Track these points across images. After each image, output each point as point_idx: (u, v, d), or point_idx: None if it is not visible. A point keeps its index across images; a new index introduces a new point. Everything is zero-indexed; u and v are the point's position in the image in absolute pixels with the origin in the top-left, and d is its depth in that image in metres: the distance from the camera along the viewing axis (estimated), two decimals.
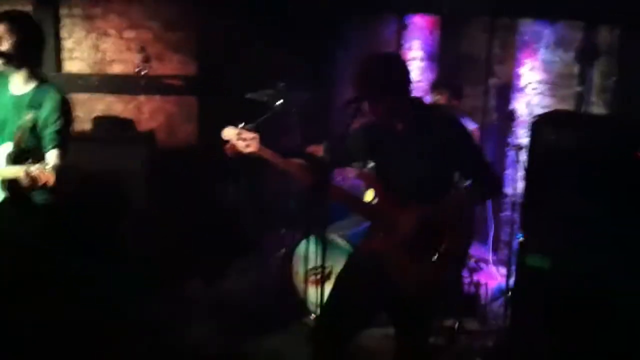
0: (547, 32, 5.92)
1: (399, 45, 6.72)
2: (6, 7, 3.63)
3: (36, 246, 3.63)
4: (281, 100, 4.97)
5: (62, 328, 4.01)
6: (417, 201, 3.14)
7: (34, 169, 3.22)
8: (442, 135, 3.15)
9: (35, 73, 3.61)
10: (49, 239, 3.69)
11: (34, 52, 3.61)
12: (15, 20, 3.48)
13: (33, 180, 3.23)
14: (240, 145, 3.36)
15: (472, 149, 3.28)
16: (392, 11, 6.71)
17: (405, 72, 3.17)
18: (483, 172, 3.25)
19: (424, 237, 3.11)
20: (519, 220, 4.68)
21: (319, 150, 3.78)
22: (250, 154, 3.37)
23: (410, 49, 6.69)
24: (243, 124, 3.49)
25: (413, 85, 3.21)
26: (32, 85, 3.59)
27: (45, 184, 3.24)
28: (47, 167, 3.25)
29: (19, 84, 3.59)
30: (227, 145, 3.43)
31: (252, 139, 3.36)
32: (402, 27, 6.72)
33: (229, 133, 3.41)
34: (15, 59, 3.49)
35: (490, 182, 3.30)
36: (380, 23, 6.88)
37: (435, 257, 3.10)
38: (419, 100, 3.39)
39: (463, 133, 3.24)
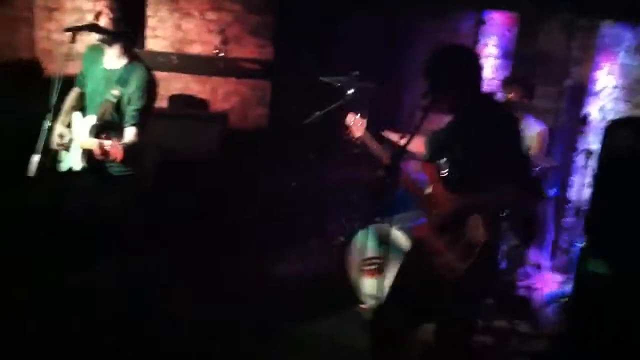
0: (628, 36, 5.78)
1: (476, 41, 6.67)
2: None
3: (111, 214, 3.78)
4: (353, 89, 5.04)
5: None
6: (464, 192, 3.19)
7: (107, 143, 3.40)
8: (495, 132, 3.17)
9: (128, 50, 3.74)
10: (124, 208, 3.81)
11: (129, 29, 3.74)
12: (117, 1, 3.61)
13: (105, 154, 3.42)
14: (353, 128, 3.79)
15: (515, 150, 3.22)
16: (470, 6, 6.66)
17: (470, 66, 3.23)
18: (522, 176, 3.20)
19: (455, 224, 3.19)
20: (581, 226, 4.63)
21: (418, 145, 3.86)
22: (358, 138, 3.79)
23: (486, 45, 6.63)
24: (316, 113, 4.22)
25: (480, 80, 3.26)
26: (123, 62, 3.72)
27: (115, 159, 3.42)
28: (120, 144, 3.41)
29: (112, 59, 3.73)
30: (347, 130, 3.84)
31: (361, 125, 3.77)
32: (480, 22, 6.67)
33: (349, 117, 3.83)
34: (111, 34, 3.63)
35: (527, 187, 3.23)
36: (458, 18, 6.84)
37: (459, 245, 3.17)
38: (485, 95, 3.41)
39: (514, 135, 3.23)
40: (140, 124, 3.67)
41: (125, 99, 3.67)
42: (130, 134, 3.64)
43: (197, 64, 6.74)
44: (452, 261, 3.19)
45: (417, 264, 3.37)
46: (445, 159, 3.40)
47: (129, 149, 3.49)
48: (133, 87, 3.65)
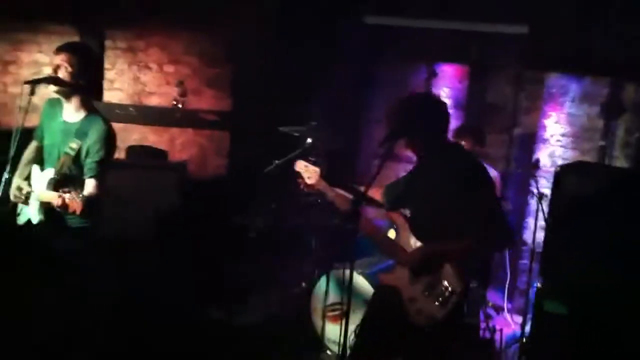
0: (574, 87, 6.05)
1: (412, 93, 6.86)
2: (54, 37, 3.80)
3: (69, 266, 3.72)
4: (310, 139, 5.12)
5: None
6: (432, 239, 3.27)
7: (67, 196, 3.40)
8: (464, 176, 3.24)
9: (86, 102, 3.76)
10: (82, 260, 3.76)
11: (88, 84, 3.77)
12: (77, 52, 3.64)
13: (65, 206, 3.42)
14: (305, 176, 3.82)
15: (490, 197, 3.32)
16: (422, 59, 6.88)
17: (438, 112, 3.36)
18: (497, 221, 3.23)
19: (427, 272, 3.26)
20: (537, 269, 4.74)
21: (375, 192, 3.93)
22: (311, 186, 3.81)
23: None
24: (275, 162, 4.30)
25: (446, 127, 3.39)
26: (81, 115, 3.73)
27: (74, 211, 3.41)
28: (79, 196, 3.41)
29: (71, 112, 3.75)
30: (300, 178, 3.88)
31: (314, 172, 3.80)
32: (432, 74, 6.89)
33: (299, 165, 3.87)
34: (70, 87, 3.65)
35: (500, 233, 3.27)
36: (411, 70, 7.04)
37: (437, 294, 3.22)
38: (449, 141, 3.55)
39: (484, 179, 3.32)
40: (99, 176, 3.66)
41: (83, 152, 3.66)
42: (89, 186, 3.63)
43: (155, 115, 6.76)
44: (429, 308, 3.22)
45: (387, 309, 3.41)
46: (410, 206, 3.49)
47: (88, 200, 3.48)
48: (92, 139, 3.65)
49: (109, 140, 3.71)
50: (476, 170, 3.33)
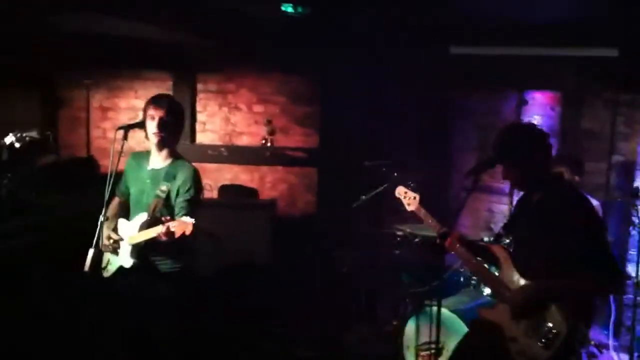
0: None
1: (518, 121, 6.70)
2: (149, 83, 3.94)
3: (162, 310, 3.79)
4: (397, 173, 5.09)
5: None
6: (537, 276, 3.18)
7: (172, 223, 3.45)
8: (568, 212, 3.15)
9: (173, 151, 3.90)
10: (176, 304, 3.83)
11: (178, 137, 3.92)
12: (171, 109, 3.77)
13: (170, 234, 3.45)
14: (404, 202, 3.80)
15: (596, 233, 3.15)
16: (512, 87, 6.74)
17: (543, 143, 3.31)
18: (598, 261, 3.07)
19: (533, 312, 3.13)
20: None
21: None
22: (410, 211, 3.77)
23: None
24: (362, 197, 3.83)
25: (549, 158, 3.35)
26: (168, 161, 3.86)
27: (182, 236, 3.42)
28: (185, 220, 3.45)
29: (158, 160, 3.88)
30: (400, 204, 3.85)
31: (414, 198, 3.75)
32: (523, 102, 6.72)
33: (399, 191, 3.87)
34: (164, 140, 3.79)
35: (602, 274, 3.08)
36: (500, 98, 6.91)
37: (541, 335, 3.09)
38: (556, 174, 3.50)
39: (589, 215, 3.19)
40: (191, 214, 3.67)
41: (173, 193, 3.76)
42: None
43: (245, 154, 6.92)
44: (532, 349, 3.11)
45: (485, 346, 3.33)
46: (512, 241, 3.43)
47: (183, 238, 3.54)
48: (181, 179, 3.75)
49: (196, 180, 3.80)
50: (580, 205, 3.22)
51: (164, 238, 3.49)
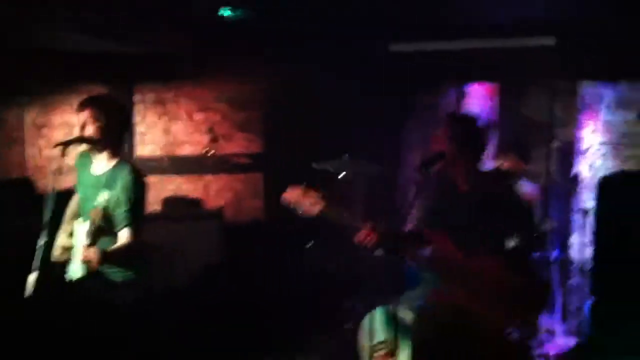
0: (608, 93, 5.90)
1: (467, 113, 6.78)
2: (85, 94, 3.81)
3: (114, 319, 3.70)
4: (345, 172, 5.07)
5: None
6: (477, 253, 3.32)
7: (85, 251, 3.39)
8: (501, 201, 3.41)
9: (115, 153, 3.72)
10: (127, 313, 3.72)
11: (116, 135, 3.74)
12: (100, 106, 3.62)
13: (87, 259, 3.39)
14: (306, 204, 3.37)
15: (524, 217, 3.52)
16: (449, 81, 6.81)
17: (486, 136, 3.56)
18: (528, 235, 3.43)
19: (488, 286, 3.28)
20: (587, 286, 4.58)
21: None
22: (317, 214, 3.36)
23: None
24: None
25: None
26: (110, 164, 3.70)
27: (90, 262, 3.36)
28: (93, 249, 3.37)
29: (100, 164, 3.72)
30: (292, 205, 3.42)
31: (319, 197, 3.37)
32: (461, 95, 6.80)
33: (292, 194, 3.43)
34: (98, 143, 3.64)
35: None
36: (440, 93, 6.97)
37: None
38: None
39: (519, 203, 3.56)
40: (133, 224, 3.60)
41: (113, 202, 3.60)
42: (124, 235, 3.57)
43: (188, 164, 6.82)
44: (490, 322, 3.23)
45: (442, 325, 3.35)
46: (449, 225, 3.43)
47: (126, 250, 3.48)
48: (119, 188, 3.60)
49: (136, 187, 3.64)
50: (511, 192, 3.63)
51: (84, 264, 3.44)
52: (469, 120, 3.58)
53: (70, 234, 3.78)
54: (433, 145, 3.46)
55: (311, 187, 3.41)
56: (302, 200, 3.39)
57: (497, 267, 3.29)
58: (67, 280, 3.76)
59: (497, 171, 3.87)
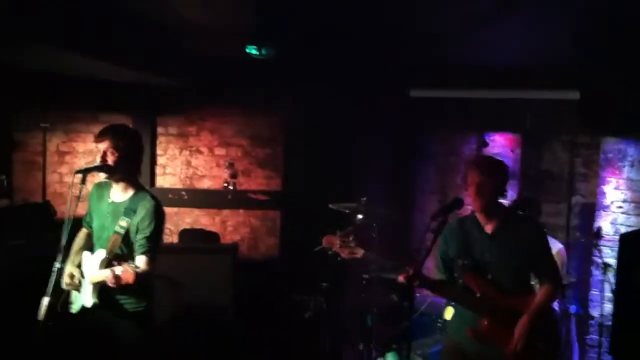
0: (631, 151, 5.86)
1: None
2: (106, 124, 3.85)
3: (125, 351, 3.67)
4: (362, 215, 5.06)
5: None
6: (510, 292, 3.60)
7: (119, 269, 3.35)
8: (527, 238, 3.64)
9: (133, 182, 3.77)
10: (138, 343, 3.72)
11: (135, 164, 3.79)
12: (119, 136, 3.67)
13: (117, 279, 3.34)
14: (344, 252, 3.65)
15: (547, 253, 3.74)
16: (472, 129, 6.81)
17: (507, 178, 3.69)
18: (552, 274, 3.71)
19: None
20: (606, 344, 4.47)
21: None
22: (361, 257, 3.65)
23: None
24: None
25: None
26: (129, 194, 3.74)
27: (127, 283, 3.34)
28: (131, 266, 3.36)
29: (118, 192, 3.76)
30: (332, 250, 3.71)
31: (356, 245, 3.65)
32: (482, 144, 6.78)
33: (331, 240, 3.69)
34: (117, 172, 3.68)
35: (557, 282, 3.73)
36: (461, 140, 6.97)
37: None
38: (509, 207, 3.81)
39: (543, 239, 3.74)
40: (150, 252, 3.61)
41: (133, 229, 3.64)
42: (141, 262, 3.56)
43: (206, 197, 6.83)
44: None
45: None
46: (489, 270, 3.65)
47: (142, 277, 3.45)
48: (140, 216, 3.63)
49: (157, 215, 3.67)
50: (539, 228, 3.81)
51: (111, 284, 3.38)
52: (493, 164, 3.70)
53: (78, 266, 3.78)
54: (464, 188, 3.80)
55: (347, 235, 3.68)
56: (341, 246, 3.65)
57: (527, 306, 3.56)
58: (72, 309, 3.76)
59: (520, 214, 3.92)
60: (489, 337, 3.60)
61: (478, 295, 3.63)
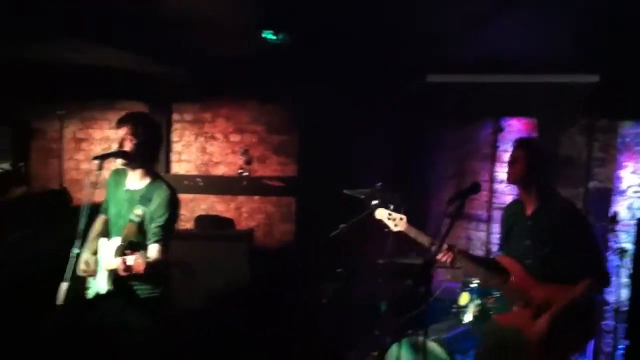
0: None
1: (495, 148, 6.73)
2: (124, 114, 3.87)
3: (139, 336, 3.71)
4: (377, 200, 5.04)
5: None
6: (546, 280, 3.58)
7: (130, 258, 3.38)
8: (566, 222, 3.60)
9: (150, 170, 3.80)
10: (151, 329, 3.75)
11: (153, 152, 3.81)
12: (138, 123, 3.69)
13: (128, 269, 3.38)
14: (391, 224, 3.92)
15: (589, 239, 3.64)
16: (487, 114, 6.76)
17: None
18: (594, 265, 3.59)
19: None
20: (622, 330, 4.45)
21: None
22: (398, 232, 3.92)
23: (505, 151, 6.67)
24: (341, 226, 4.39)
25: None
26: (146, 182, 3.76)
27: (138, 272, 3.37)
28: (142, 257, 3.38)
29: (135, 180, 3.78)
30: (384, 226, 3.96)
31: (401, 219, 3.90)
32: (498, 129, 6.74)
33: (381, 213, 3.98)
34: (135, 159, 3.70)
35: (600, 275, 3.62)
36: (477, 125, 6.92)
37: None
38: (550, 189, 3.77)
39: (583, 222, 3.69)
40: (163, 241, 3.64)
41: (147, 218, 3.67)
42: (153, 250, 3.60)
43: (221, 184, 6.85)
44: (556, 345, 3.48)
45: (505, 346, 3.67)
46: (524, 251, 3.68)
47: (154, 266, 3.47)
48: (155, 204, 3.66)
49: (172, 204, 3.70)
50: (579, 214, 3.76)
51: (122, 273, 3.40)
52: (536, 145, 3.77)
53: (94, 253, 3.81)
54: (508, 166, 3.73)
55: (396, 209, 3.97)
56: (387, 218, 3.95)
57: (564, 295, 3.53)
58: (90, 296, 3.80)
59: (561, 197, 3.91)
60: (518, 324, 3.62)
61: (512, 280, 3.67)
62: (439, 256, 3.66)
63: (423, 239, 3.83)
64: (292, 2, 4.45)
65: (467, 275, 4.74)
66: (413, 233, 3.87)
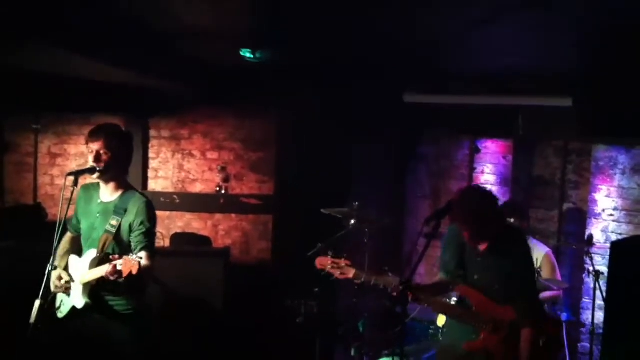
0: (622, 158, 5.88)
1: (471, 169, 6.78)
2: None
3: (116, 351, 3.68)
4: (354, 220, 5.06)
5: None
6: (508, 302, 3.65)
7: (119, 261, 3.33)
8: (524, 258, 3.77)
9: (122, 181, 3.79)
10: (129, 345, 3.71)
11: (125, 164, 3.81)
12: (112, 136, 3.68)
13: (118, 273, 3.33)
14: (337, 273, 3.79)
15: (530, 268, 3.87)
16: (464, 135, 6.82)
17: (492, 206, 3.69)
18: (531, 313, 3.72)
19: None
20: (597, 352, 4.49)
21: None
22: (352, 277, 3.78)
23: (482, 172, 6.74)
24: (319, 245, 4.25)
25: (497, 212, 3.75)
26: (119, 193, 3.75)
27: (130, 273, 3.31)
28: (132, 258, 3.33)
29: (108, 193, 3.77)
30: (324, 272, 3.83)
31: (346, 266, 3.79)
32: (475, 150, 6.80)
33: (322, 262, 3.83)
34: (109, 172, 3.68)
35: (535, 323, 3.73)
36: (453, 145, 6.98)
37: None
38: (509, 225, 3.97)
39: (531, 261, 3.87)
40: (149, 247, 3.63)
41: (124, 228, 3.65)
42: (142, 257, 3.51)
43: (198, 201, 6.81)
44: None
45: None
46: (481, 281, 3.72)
47: (145, 271, 3.44)
48: (132, 214, 3.65)
49: (150, 211, 3.71)
50: (528, 251, 3.86)
51: (111, 278, 3.37)
52: (473, 204, 3.67)
53: (65, 269, 3.77)
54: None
55: (338, 256, 3.84)
56: (334, 267, 3.79)
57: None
58: (59, 314, 3.75)
59: (510, 230, 3.92)
60: (488, 349, 3.65)
61: (474, 309, 3.70)
62: (394, 294, 3.63)
63: (378, 280, 3.73)
64: (269, 21, 4.47)
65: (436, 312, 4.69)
66: (363, 277, 3.76)
